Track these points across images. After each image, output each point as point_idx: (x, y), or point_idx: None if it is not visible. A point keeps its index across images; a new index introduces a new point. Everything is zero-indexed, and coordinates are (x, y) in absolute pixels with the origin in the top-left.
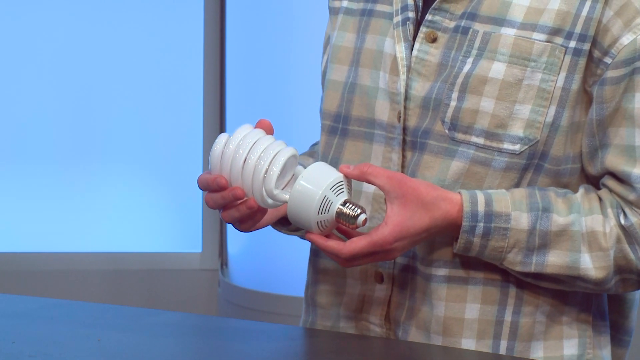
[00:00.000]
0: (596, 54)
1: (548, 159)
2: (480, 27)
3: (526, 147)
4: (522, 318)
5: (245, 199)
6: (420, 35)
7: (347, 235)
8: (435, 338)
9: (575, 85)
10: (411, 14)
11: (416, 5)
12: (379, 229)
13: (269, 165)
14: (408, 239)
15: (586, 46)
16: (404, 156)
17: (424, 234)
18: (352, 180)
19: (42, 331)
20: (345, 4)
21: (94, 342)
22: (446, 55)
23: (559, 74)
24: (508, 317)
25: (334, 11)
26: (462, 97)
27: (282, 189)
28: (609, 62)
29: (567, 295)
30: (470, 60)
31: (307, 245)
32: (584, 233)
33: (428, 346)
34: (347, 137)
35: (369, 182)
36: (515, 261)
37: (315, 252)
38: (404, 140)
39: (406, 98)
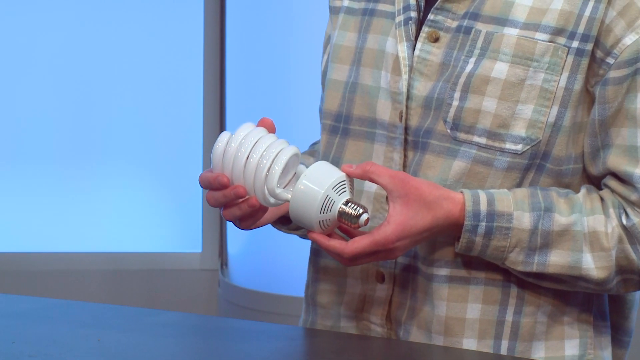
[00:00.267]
0: (599, 54)
1: (550, 159)
2: (482, 27)
3: (528, 147)
4: (523, 318)
5: (246, 197)
6: (423, 34)
7: (349, 235)
8: (437, 338)
9: (578, 85)
10: (413, 14)
11: (418, 5)
12: (381, 228)
13: (271, 164)
14: (410, 238)
15: (589, 46)
16: (405, 156)
17: (426, 233)
18: (354, 179)
19: (42, 331)
20: (346, 3)
21: (94, 342)
22: (448, 55)
23: (561, 74)
24: (509, 317)
25: (334, 10)
26: (464, 96)
27: (284, 187)
28: (612, 63)
29: (569, 295)
30: (472, 60)
31: (307, 244)
32: (586, 233)
33: (429, 346)
34: (349, 136)
35: (371, 180)
36: (517, 261)
37: (316, 251)
38: (405, 140)
39: (408, 98)
